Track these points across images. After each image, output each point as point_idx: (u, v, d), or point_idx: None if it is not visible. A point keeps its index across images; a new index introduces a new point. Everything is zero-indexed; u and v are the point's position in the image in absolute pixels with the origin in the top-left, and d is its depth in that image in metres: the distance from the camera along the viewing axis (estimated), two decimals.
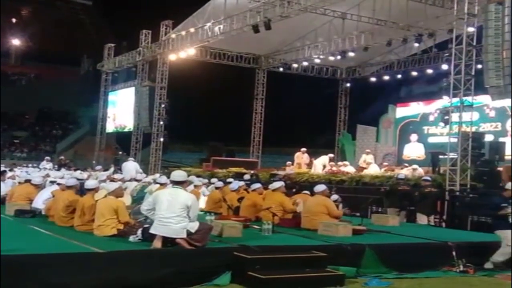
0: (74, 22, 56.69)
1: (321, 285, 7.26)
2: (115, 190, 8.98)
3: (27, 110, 49.72)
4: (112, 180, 15.88)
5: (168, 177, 10.49)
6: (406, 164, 20.27)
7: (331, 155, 21.94)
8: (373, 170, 19.02)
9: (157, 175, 16.95)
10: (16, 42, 55.07)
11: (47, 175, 16.49)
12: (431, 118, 24.13)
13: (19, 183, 13.37)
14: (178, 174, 8.13)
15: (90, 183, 10.00)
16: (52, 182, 12.18)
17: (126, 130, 31.81)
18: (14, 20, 56.12)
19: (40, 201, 11.32)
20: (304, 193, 12.86)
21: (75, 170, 22.41)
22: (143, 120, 28.89)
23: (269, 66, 29.07)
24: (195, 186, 14.66)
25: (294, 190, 13.83)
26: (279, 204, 11.30)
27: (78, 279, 6.52)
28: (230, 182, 14.68)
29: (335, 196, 11.90)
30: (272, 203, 11.33)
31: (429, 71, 24.95)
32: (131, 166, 21.47)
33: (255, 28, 20.11)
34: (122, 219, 8.61)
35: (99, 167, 22.50)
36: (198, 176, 18.07)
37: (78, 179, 11.40)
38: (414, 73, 26.17)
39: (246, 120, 30.06)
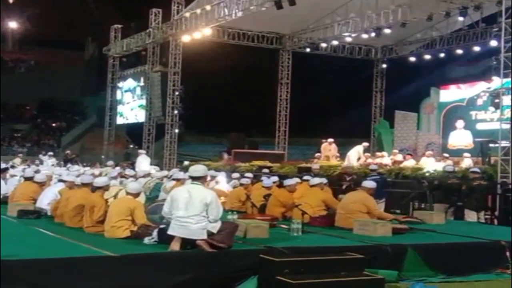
0: (76, 2, 57.09)
1: None
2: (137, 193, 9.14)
3: (28, 100, 50.25)
4: (123, 176, 16.06)
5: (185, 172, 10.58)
6: (446, 155, 20.09)
7: (366, 143, 21.83)
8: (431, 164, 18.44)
9: (175, 170, 17.05)
10: (13, 25, 55.42)
11: (52, 172, 16.68)
12: (480, 101, 23.94)
13: (25, 179, 13.49)
14: (196, 169, 8.19)
15: (100, 180, 10.13)
16: (61, 180, 12.32)
17: (130, 122, 32.20)
18: (10, 0, 56.66)
19: (45, 201, 11.46)
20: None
21: (84, 166, 22.66)
22: (156, 110, 29.08)
23: (294, 46, 29.00)
24: (217, 182, 14.81)
25: (344, 187, 14.09)
26: (322, 202, 11.35)
27: (89, 286, 6.63)
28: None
29: None
30: (309, 200, 11.39)
31: (476, 48, 24.68)
32: (144, 161, 21.68)
33: (278, 4, 20.05)
34: (139, 221, 8.66)
35: (111, 163, 22.58)
36: (217, 170, 18.15)
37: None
38: (459, 51, 25.88)
39: (270, 108, 30.06)
